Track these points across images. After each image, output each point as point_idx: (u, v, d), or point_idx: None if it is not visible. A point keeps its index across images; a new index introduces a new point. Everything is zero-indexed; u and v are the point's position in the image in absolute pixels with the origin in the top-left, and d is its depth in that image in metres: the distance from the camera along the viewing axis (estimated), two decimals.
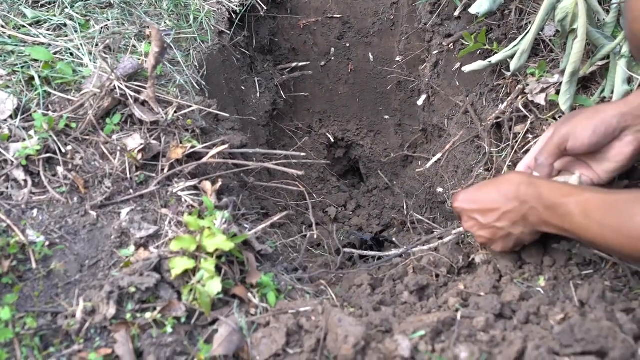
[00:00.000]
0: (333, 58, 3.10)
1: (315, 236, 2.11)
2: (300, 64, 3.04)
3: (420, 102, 2.98)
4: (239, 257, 1.77)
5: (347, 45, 3.08)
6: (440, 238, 2.17)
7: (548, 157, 1.83)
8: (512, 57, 2.19)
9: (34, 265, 1.68)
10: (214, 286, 1.63)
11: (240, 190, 2.13)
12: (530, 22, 2.35)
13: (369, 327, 1.61)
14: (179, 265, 1.65)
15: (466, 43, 2.39)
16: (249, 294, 1.73)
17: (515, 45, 2.18)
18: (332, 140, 3.18)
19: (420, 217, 2.55)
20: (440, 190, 2.60)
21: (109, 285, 1.61)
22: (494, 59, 2.24)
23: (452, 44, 2.71)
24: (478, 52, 2.53)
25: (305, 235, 2.11)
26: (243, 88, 2.65)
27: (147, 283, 1.62)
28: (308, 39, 3.04)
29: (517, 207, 1.71)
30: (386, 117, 3.15)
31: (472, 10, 2.20)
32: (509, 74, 2.23)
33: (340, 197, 2.97)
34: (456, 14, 2.64)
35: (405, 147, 3.12)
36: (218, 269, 1.69)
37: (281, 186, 2.21)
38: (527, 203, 1.69)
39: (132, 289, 1.62)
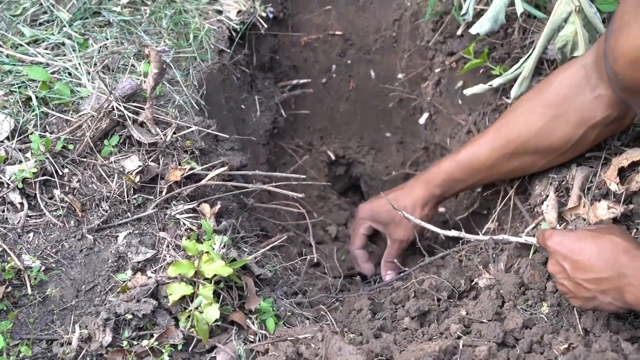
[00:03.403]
0: (334, 75, 3.09)
1: (315, 259, 2.08)
2: (301, 81, 3.03)
3: (422, 121, 2.97)
4: (238, 282, 1.76)
5: (349, 62, 3.07)
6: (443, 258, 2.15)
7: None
8: (514, 79, 2.17)
9: (29, 291, 1.67)
10: (212, 313, 1.63)
11: (239, 212, 2.11)
12: (533, 42, 2.33)
13: (369, 355, 1.59)
14: (176, 291, 1.64)
15: (469, 58, 2.36)
16: (248, 321, 1.72)
17: (517, 69, 2.16)
18: (333, 158, 3.16)
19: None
20: (442, 209, 2.58)
21: (105, 311, 1.61)
22: (496, 82, 2.21)
23: (454, 62, 2.69)
24: (481, 71, 2.51)
25: (305, 258, 2.08)
26: (243, 107, 2.64)
27: (144, 309, 1.62)
28: (309, 56, 3.04)
29: (613, 277, 1.54)
30: (388, 134, 3.14)
31: (473, 30, 2.18)
32: (509, 100, 2.21)
33: (341, 215, 2.96)
34: (459, 32, 2.63)
35: (407, 165, 3.10)
36: (216, 294, 1.68)
37: (281, 207, 2.19)
38: (625, 277, 1.52)
39: (129, 316, 1.61)
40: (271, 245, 1.98)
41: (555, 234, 1.68)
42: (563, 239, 1.66)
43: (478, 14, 2.39)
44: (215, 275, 1.65)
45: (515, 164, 2.04)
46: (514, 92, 2.16)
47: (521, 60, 2.16)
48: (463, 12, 2.23)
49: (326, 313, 1.91)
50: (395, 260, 2.24)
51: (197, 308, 1.64)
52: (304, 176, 2.05)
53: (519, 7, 2.09)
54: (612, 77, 1.61)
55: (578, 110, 1.85)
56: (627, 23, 1.48)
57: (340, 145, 3.20)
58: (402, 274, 2.14)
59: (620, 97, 1.74)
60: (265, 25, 2.65)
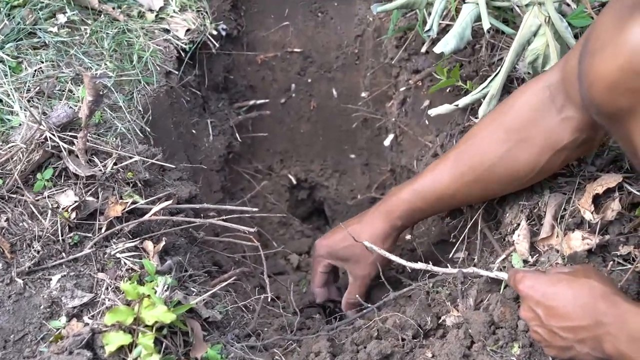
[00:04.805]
0: (294, 95, 3.03)
1: (270, 299, 1.96)
2: (259, 102, 2.97)
3: (387, 142, 2.89)
4: (183, 327, 1.62)
5: (309, 80, 3.01)
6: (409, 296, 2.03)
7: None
8: (482, 98, 2.06)
9: None
10: None
11: (188, 247, 1.99)
12: (502, 58, 2.23)
13: None
14: (113, 341, 1.51)
15: (438, 77, 2.26)
16: None
17: (484, 88, 2.05)
18: (294, 182, 3.10)
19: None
20: (408, 237, 2.47)
21: None
22: (462, 102, 2.11)
23: (420, 81, 2.60)
24: (448, 90, 2.41)
25: (259, 298, 1.96)
26: (194, 131, 2.55)
27: None
28: (267, 75, 2.98)
29: (590, 326, 1.43)
30: (352, 156, 3.09)
31: (437, 49, 2.06)
32: (477, 120, 2.10)
33: (303, 242, 2.88)
34: (423, 49, 2.54)
35: (373, 189, 3.05)
36: (158, 342, 1.55)
37: (234, 240, 2.08)
38: (604, 326, 1.42)
39: None
40: (223, 285, 1.85)
41: (527, 277, 1.56)
42: (535, 283, 1.54)
43: (443, 30, 2.32)
44: (156, 322, 1.53)
45: (479, 191, 1.93)
46: (481, 112, 2.05)
47: (489, 79, 2.06)
48: (427, 28, 2.11)
49: (281, 358, 1.79)
50: (358, 297, 2.10)
51: (136, 359, 1.51)
52: (256, 209, 1.93)
53: (486, 23, 1.98)
54: (587, 102, 1.48)
55: (543, 134, 1.74)
56: (602, 44, 1.35)
57: (302, 168, 3.14)
58: (364, 311, 2.01)
59: (589, 120, 1.63)
60: (217, 44, 2.56)
